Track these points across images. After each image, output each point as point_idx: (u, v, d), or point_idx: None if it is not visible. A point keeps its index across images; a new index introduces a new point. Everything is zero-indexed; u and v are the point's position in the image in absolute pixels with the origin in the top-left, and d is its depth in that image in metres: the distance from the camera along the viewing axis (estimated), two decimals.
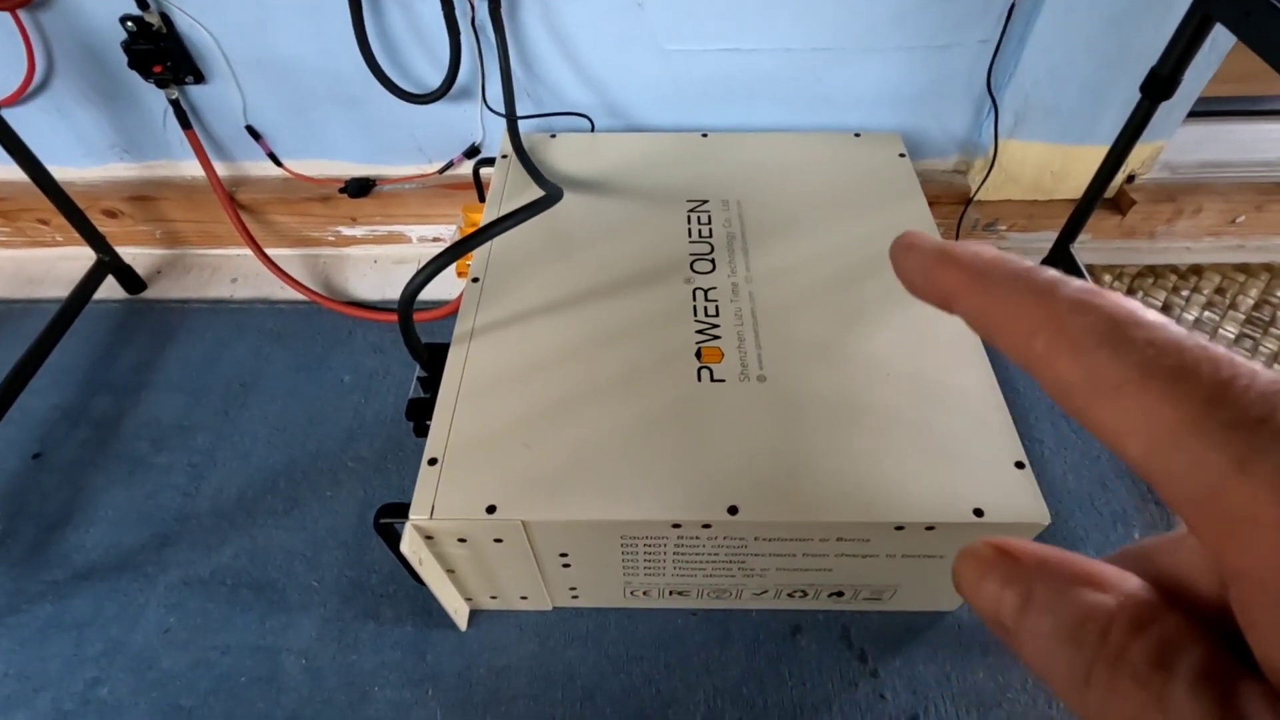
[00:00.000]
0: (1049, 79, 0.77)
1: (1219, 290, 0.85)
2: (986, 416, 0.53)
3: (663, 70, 0.78)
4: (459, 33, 0.72)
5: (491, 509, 0.48)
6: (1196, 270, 0.88)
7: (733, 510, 0.48)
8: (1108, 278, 0.87)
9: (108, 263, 0.86)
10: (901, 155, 0.74)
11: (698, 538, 0.50)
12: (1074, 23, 0.72)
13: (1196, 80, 0.75)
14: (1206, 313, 0.83)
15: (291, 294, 0.90)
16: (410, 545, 0.48)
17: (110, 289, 0.89)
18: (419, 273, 0.51)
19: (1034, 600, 0.11)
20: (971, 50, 0.76)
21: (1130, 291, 0.86)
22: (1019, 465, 0.50)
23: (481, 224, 0.63)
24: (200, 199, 0.89)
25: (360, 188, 0.87)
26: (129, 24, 0.73)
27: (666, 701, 0.59)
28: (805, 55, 0.77)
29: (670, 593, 0.60)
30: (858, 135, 0.77)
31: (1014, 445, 0.51)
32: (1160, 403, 0.10)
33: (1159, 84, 0.65)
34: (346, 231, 0.93)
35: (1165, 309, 0.84)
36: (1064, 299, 0.11)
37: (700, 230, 0.67)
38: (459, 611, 0.61)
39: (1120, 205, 0.88)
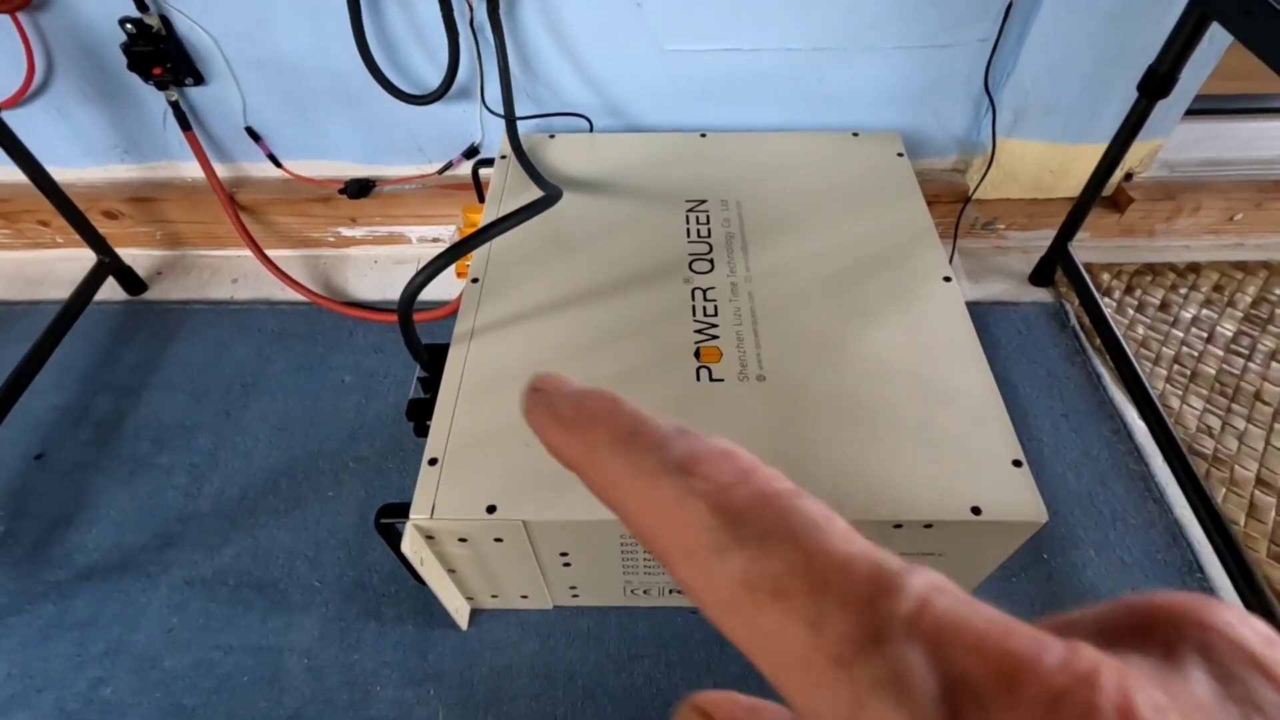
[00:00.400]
0: (1048, 77, 0.77)
1: (1217, 288, 0.86)
2: (985, 415, 0.53)
3: (662, 70, 0.79)
4: (458, 33, 0.72)
5: (492, 509, 0.48)
6: (1195, 268, 0.88)
7: None
8: (1106, 276, 0.88)
9: (108, 264, 0.86)
10: (900, 154, 0.74)
11: None
12: (1073, 21, 0.72)
13: (1194, 78, 0.76)
14: (1205, 310, 0.83)
15: (292, 295, 0.90)
16: (411, 545, 0.49)
17: (111, 290, 0.89)
18: (419, 273, 0.51)
19: None
20: (971, 49, 0.77)
21: (1129, 290, 0.86)
22: (1016, 464, 0.50)
23: (480, 224, 0.63)
24: (200, 200, 0.89)
25: (360, 188, 0.87)
26: (128, 26, 0.73)
27: (667, 700, 0.59)
28: (805, 55, 0.77)
29: (670, 591, 0.60)
30: (856, 135, 0.77)
31: (1012, 444, 0.51)
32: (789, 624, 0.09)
33: (1157, 82, 0.65)
34: (346, 232, 0.93)
35: (1164, 306, 0.84)
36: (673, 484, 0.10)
37: (699, 230, 0.67)
38: (460, 611, 0.61)
39: (1119, 203, 0.89)
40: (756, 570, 0.09)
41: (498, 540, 0.51)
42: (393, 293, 0.91)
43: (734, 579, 0.09)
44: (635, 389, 0.55)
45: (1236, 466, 0.70)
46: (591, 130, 0.81)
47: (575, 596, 0.62)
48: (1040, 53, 0.75)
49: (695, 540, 0.10)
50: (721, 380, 0.55)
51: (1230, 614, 0.09)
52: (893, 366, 0.56)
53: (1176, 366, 0.78)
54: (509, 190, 0.71)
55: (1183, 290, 0.86)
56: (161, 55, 0.75)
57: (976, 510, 0.48)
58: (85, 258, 0.86)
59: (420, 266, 0.52)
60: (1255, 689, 0.08)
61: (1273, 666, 0.08)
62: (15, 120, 0.73)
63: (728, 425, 0.52)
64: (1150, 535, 0.67)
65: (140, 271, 0.91)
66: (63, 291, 0.89)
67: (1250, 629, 0.09)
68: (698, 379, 0.55)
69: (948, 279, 0.62)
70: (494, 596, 0.61)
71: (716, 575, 0.09)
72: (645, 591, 0.60)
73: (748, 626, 0.09)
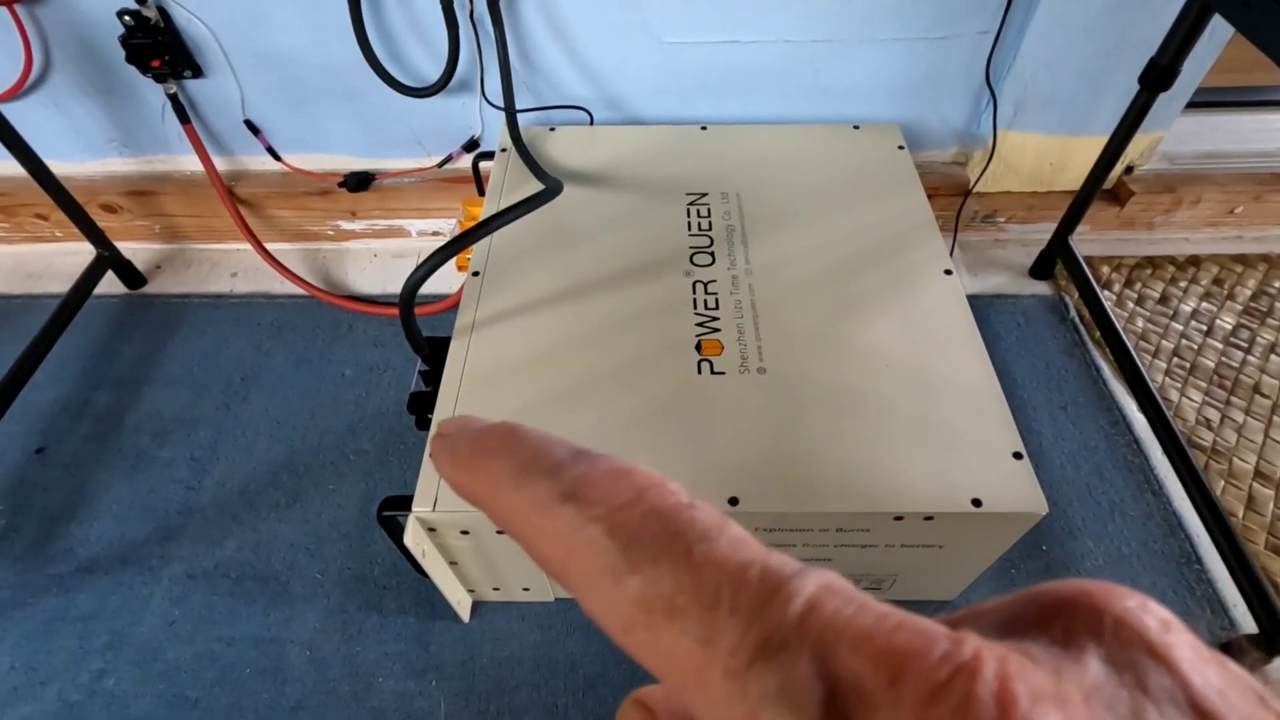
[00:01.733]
0: (1047, 70, 0.77)
1: (1216, 281, 0.86)
2: (985, 407, 0.53)
3: (661, 62, 0.78)
4: (458, 26, 0.72)
5: None
6: (1194, 261, 0.88)
7: (733, 501, 0.48)
8: (1106, 269, 0.88)
9: (107, 258, 0.86)
10: (901, 147, 0.74)
11: None
12: (1072, 12, 0.72)
13: (1195, 70, 0.75)
14: (1204, 304, 0.83)
15: (291, 288, 0.90)
16: (413, 537, 0.49)
17: (110, 284, 0.89)
18: (420, 267, 0.51)
19: None
20: (970, 41, 0.76)
21: (1129, 283, 0.86)
22: (1017, 456, 0.50)
23: (481, 218, 0.63)
24: (199, 194, 0.89)
25: (359, 182, 0.87)
26: (126, 18, 0.73)
27: None
28: (804, 47, 0.77)
29: None
30: (857, 127, 0.77)
31: (1012, 436, 0.51)
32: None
33: (1158, 74, 0.65)
34: (346, 226, 0.93)
35: (1163, 299, 0.85)
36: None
37: (700, 223, 0.67)
38: (462, 603, 0.61)
39: (1119, 196, 0.89)
40: (650, 591, 0.09)
41: (500, 532, 0.51)
42: (393, 286, 0.91)
43: (630, 602, 0.09)
44: (637, 381, 0.55)
45: (1235, 459, 0.71)
46: (592, 123, 0.81)
47: None
48: (1040, 45, 0.75)
49: (593, 566, 0.10)
50: (723, 373, 0.55)
51: (1130, 600, 0.09)
52: (893, 359, 0.56)
53: (1176, 359, 0.79)
54: (509, 183, 0.71)
55: (1182, 283, 0.86)
56: (160, 48, 0.75)
57: (977, 502, 0.48)
58: (84, 251, 0.86)
59: (421, 260, 0.52)
60: (1148, 674, 0.08)
61: (1166, 651, 0.08)
62: (11, 114, 0.73)
63: (729, 417, 0.52)
64: (1148, 527, 0.67)
65: (139, 265, 0.91)
66: (62, 285, 0.89)
67: (1149, 615, 0.09)
68: (699, 372, 0.55)
69: (948, 272, 0.62)
70: (496, 589, 0.61)
71: (615, 600, 0.09)
72: None
73: (649, 648, 0.09)
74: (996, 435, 0.51)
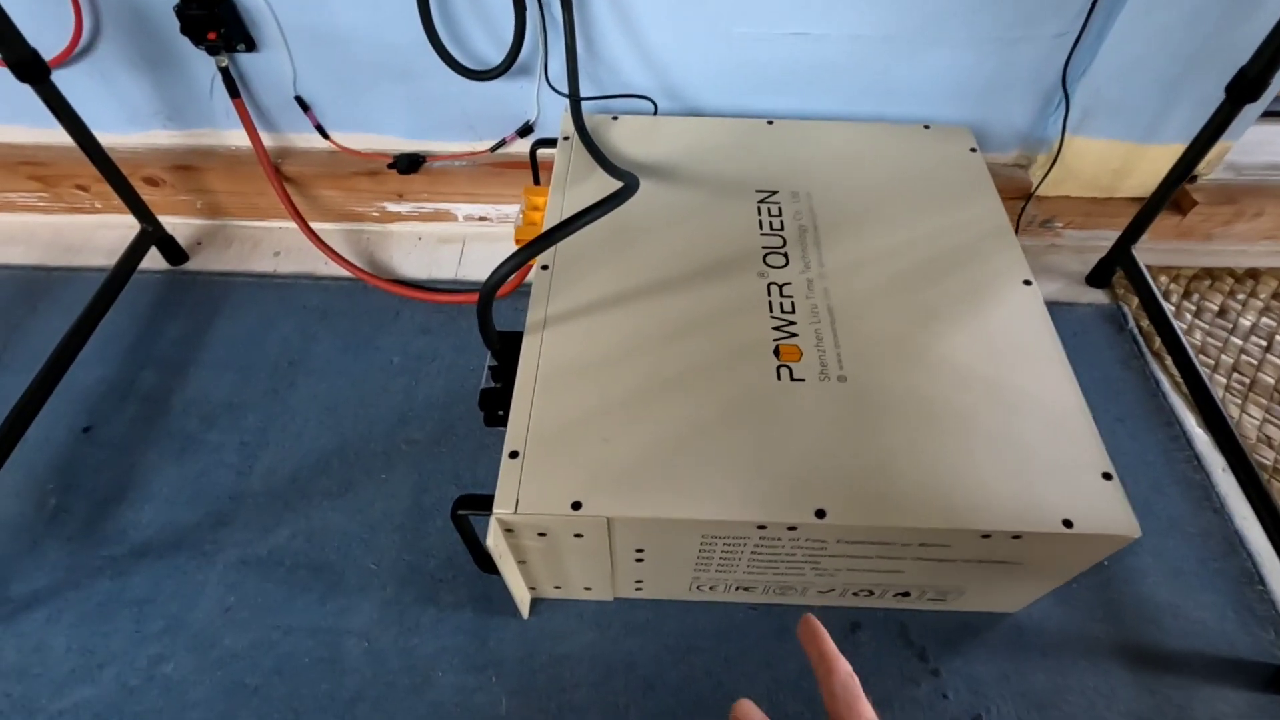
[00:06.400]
0: (1121, 75, 0.75)
1: (1276, 295, 0.85)
2: (1070, 424, 0.52)
3: (727, 53, 0.76)
4: (524, 8, 0.70)
5: (577, 505, 0.48)
6: (1253, 274, 0.87)
7: (820, 513, 0.47)
8: (1164, 279, 0.87)
9: (151, 233, 0.85)
10: (973, 149, 0.73)
11: (779, 539, 0.50)
12: (1155, 18, 0.70)
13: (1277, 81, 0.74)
14: (1264, 318, 0.82)
15: (335, 270, 0.88)
16: (495, 540, 0.48)
17: (151, 259, 0.87)
18: (503, 265, 0.50)
19: None
20: (1044, 44, 0.74)
21: (1186, 294, 0.85)
22: (1106, 476, 0.50)
23: (547, 209, 0.62)
24: (244, 170, 0.87)
25: (410, 163, 0.85)
26: None
27: (727, 693, 0.59)
28: (874, 43, 0.75)
29: (736, 589, 0.60)
30: (928, 127, 0.75)
31: (1100, 455, 0.51)
32: None
33: (1246, 85, 0.64)
34: (392, 208, 0.91)
35: (1222, 312, 0.84)
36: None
37: (771, 222, 0.66)
38: (523, 600, 0.61)
39: (1181, 205, 0.87)
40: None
41: (577, 536, 0.50)
42: (438, 271, 0.90)
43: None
44: (715, 385, 0.54)
45: None
46: (655, 113, 0.79)
47: (639, 590, 0.61)
48: (1118, 50, 0.73)
49: None
50: (802, 380, 0.54)
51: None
52: (973, 372, 0.55)
53: (1235, 375, 0.78)
54: (573, 173, 0.70)
55: (1241, 296, 0.85)
56: (215, 20, 0.73)
57: (1068, 523, 0.47)
58: (124, 225, 0.85)
59: (505, 258, 0.50)
60: None
61: None
62: (57, 82, 0.70)
63: (811, 426, 0.52)
64: (1208, 544, 0.67)
65: (180, 241, 0.90)
66: (102, 259, 0.88)
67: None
68: (778, 378, 0.54)
69: (1028, 282, 0.61)
70: (557, 587, 0.61)
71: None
72: (711, 588, 0.60)
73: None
74: (1084, 454, 0.51)
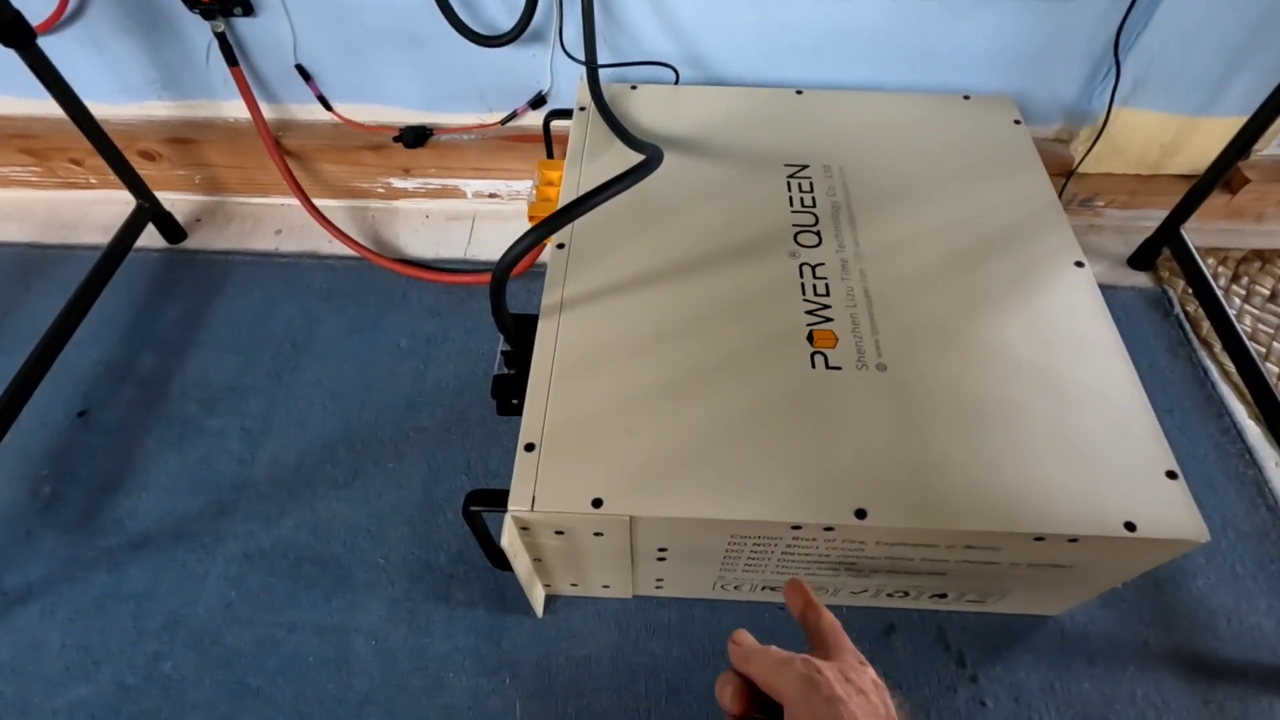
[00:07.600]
0: (1180, 42, 0.70)
1: None
2: (1130, 418, 0.48)
3: (753, 18, 0.72)
4: None
5: (598, 503, 0.44)
6: None
7: (860, 514, 0.44)
8: (1212, 261, 0.82)
9: (148, 209, 0.81)
10: (1017, 121, 0.68)
11: (814, 540, 0.46)
12: None
13: None
14: None
15: (340, 249, 0.85)
16: (510, 539, 0.45)
17: (149, 237, 0.84)
18: (518, 242, 0.46)
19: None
20: (1098, 7, 0.69)
21: (1235, 277, 0.81)
22: (1170, 475, 0.46)
23: (564, 184, 0.58)
24: (244, 143, 0.83)
25: (417, 137, 0.81)
26: None
27: None
28: (912, 6, 0.70)
29: (763, 588, 0.56)
30: (968, 98, 0.71)
31: (1164, 452, 0.47)
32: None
33: None
34: (398, 184, 0.87)
35: (1273, 297, 0.79)
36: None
37: (802, 199, 0.61)
38: (538, 598, 0.58)
39: (1231, 184, 0.82)
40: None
41: (597, 534, 0.47)
42: (446, 251, 0.86)
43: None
44: (745, 373, 0.50)
45: None
46: (677, 82, 0.75)
47: (659, 588, 0.58)
48: (1178, 14, 0.68)
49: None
50: (839, 368, 0.50)
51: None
52: (1023, 361, 0.51)
53: None
54: (590, 146, 0.65)
55: None
56: None
57: (1131, 526, 0.43)
58: (119, 201, 0.81)
59: (519, 236, 0.47)
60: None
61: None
62: (46, 50, 0.66)
63: (848, 418, 0.48)
64: (1264, 545, 0.63)
65: (178, 217, 0.86)
66: (98, 236, 0.85)
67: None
68: (813, 365, 0.50)
69: (1080, 264, 0.57)
70: (574, 585, 0.58)
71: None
72: (735, 587, 0.57)
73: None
74: (1146, 450, 0.47)
